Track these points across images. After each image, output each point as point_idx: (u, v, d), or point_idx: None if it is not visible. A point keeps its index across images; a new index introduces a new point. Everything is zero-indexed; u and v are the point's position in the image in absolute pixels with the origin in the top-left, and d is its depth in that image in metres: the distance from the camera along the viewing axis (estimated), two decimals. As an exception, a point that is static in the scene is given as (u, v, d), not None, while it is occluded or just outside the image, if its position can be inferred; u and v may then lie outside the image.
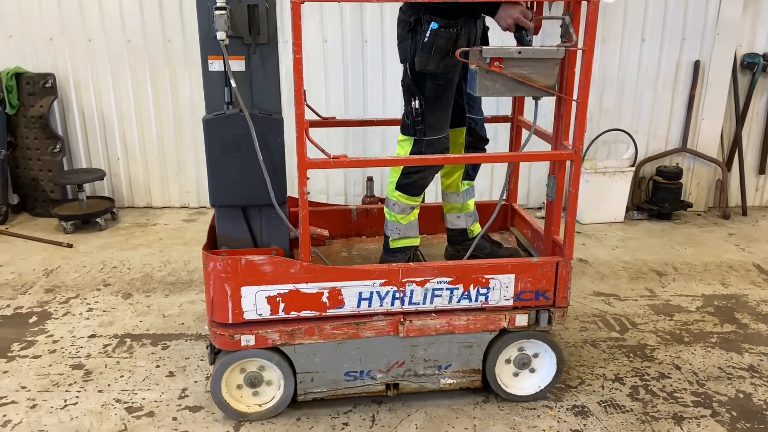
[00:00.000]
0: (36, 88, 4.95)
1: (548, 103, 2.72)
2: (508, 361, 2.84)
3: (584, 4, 2.45)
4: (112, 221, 5.07)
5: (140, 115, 5.18)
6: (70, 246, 4.55)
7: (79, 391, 2.91)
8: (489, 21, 2.75)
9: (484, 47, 2.44)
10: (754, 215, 5.42)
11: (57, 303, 3.74)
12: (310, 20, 4.97)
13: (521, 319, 2.72)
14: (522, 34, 2.65)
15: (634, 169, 5.18)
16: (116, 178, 5.33)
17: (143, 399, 2.86)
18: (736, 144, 5.39)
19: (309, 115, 3.25)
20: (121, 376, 3.03)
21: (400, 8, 2.77)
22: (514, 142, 3.39)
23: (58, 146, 5.06)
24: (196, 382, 2.98)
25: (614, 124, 5.24)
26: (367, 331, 2.66)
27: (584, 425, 2.72)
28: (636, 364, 3.17)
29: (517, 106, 3.34)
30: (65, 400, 2.85)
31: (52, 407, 2.80)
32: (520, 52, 2.42)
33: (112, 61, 5.04)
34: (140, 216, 5.23)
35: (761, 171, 5.54)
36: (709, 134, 5.30)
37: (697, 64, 5.13)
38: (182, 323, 3.52)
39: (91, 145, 5.25)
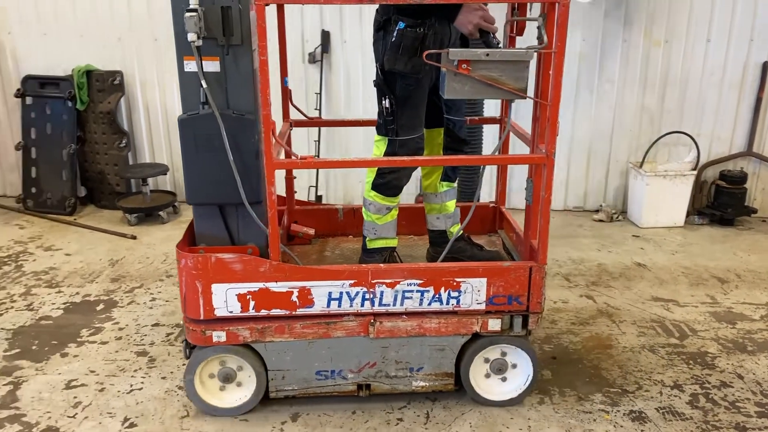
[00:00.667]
0: (105, 85, 5.15)
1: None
2: (483, 366, 2.81)
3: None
4: (174, 214, 5.23)
5: (202, 112, 5.31)
6: (134, 238, 4.72)
7: (143, 377, 3.03)
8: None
9: (451, 49, 2.43)
10: (823, 223, 5.22)
11: (122, 292, 3.89)
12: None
13: (494, 324, 2.69)
14: (489, 39, 2.63)
15: (695, 172, 5.05)
16: (178, 172, 5.49)
17: (204, 387, 2.95)
18: (806, 148, 5.19)
19: (295, 115, 3.34)
20: (183, 365, 3.12)
21: (376, 10, 2.79)
22: (502, 144, 3.37)
23: (124, 141, 5.25)
24: (254, 372, 3.06)
25: (676, 126, 5.12)
26: (338, 331, 2.67)
27: (641, 431, 2.68)
28: (696, 371, 3.10)
29: (505, 108, 3.29)
30: (131, 385, 2.97)
31: (119, 391, 2.92)
32: (487, 55, 2.40)
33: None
34: (200, 210, 5.37)
35: (832, 177, 5.32)
36: (776, 138, 5.14)
37: (765, 66, 4.96)
38: (241, 315, 3.61)
39: (155, 140, 5.43)
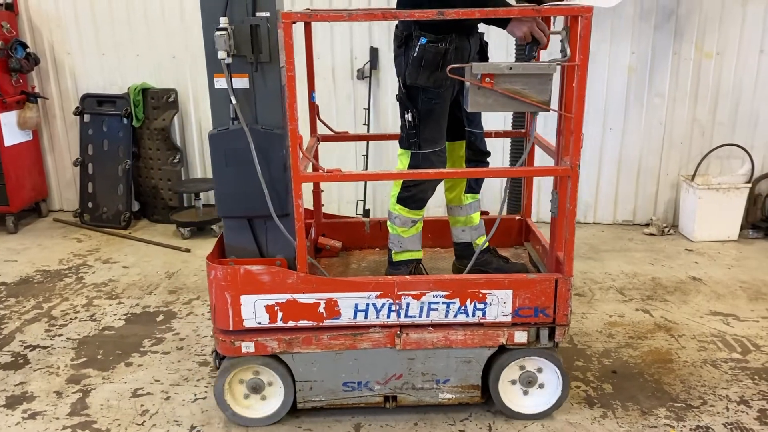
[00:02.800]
0: (159, 103, 5.30)
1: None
2: (511, 378, 2.79)
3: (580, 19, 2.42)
4: (225, 228, 5.32)
5: (252, 128, 5.42)
6: (188, 251, 4.82)
7: (206, 387, 3.08)
8: (490, 35, 2.77)
9: (474, 63, 2.44)
10: None
11: (180, 303, 3.97)
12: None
13: (520, 336, 2.67)
14: (532, 48, 2.65)
15: (749, 185, 4.96)
16: (228, 187, 5.59)
17: (266, 397, 3.00)
18: None
19: (322, 130, 3.40)
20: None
21: (396, 25, 2.82)
22: (528, 157, 3.37)
23: (177, 157, 5.39)
24: (314, 383, 3.10)
25: (728, 138, 5.05)
26: (364, 343, 2.68)
27: (710, 447, 2.64)
28: (762, 387, 3.04)
29: (529, 121, 3.30)
30: (195, 394, 3.02)
31: (183, 400, 2.98)
32: (510, 68, 2.41)
33: (229, 77, 5.32)
34: (250, 224, 5.46)
35: None
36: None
37: (815, 77, 4.89)
38: (297, 327, 3.66)
39: (207, 156, 5.54)
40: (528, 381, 2.79)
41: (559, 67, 2.53)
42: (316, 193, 3.49)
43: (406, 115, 2.79)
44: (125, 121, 5.30)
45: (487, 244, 3.07)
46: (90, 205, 5.44)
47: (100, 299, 4.04)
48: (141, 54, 5.36)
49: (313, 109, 3.33)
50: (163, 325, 3.69)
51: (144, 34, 5.30)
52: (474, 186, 3.17)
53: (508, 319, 2.67)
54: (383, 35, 5.11)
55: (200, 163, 5.57)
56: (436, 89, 2.73)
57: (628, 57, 4.99)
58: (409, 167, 2.85)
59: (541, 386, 2.81)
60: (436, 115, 2.79)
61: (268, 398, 2.80)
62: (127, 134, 5.34)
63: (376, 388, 2.78)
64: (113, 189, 5.36)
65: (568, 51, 2.48)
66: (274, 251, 2.81)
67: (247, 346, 2.67)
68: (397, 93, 2.85)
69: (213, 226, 5.15)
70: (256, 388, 2.77)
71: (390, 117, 5.25)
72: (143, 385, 3.10)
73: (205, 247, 4.92)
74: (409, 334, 2.67)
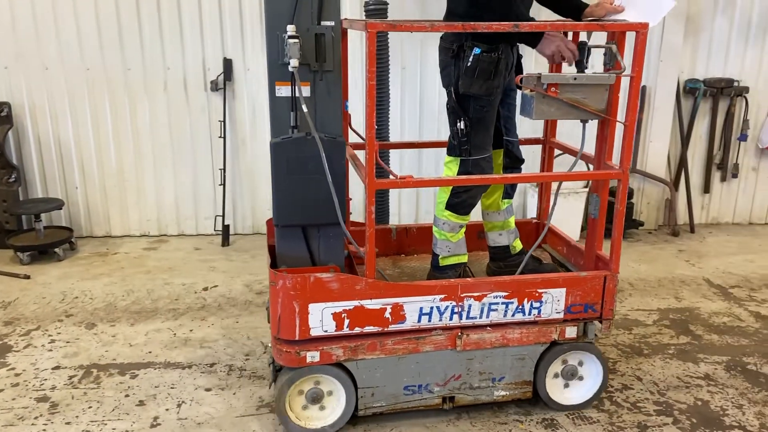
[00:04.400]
0: (-10, 117, 4.86)
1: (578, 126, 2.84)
2: (556, 373, 2.96)
3: (629, 33, 2.63)
4: (71, 251, 4.97)
5: (99, 144, 5.12)
6: (27, 277, 4.44)
7: (45, 424, 2.85)
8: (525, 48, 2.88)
9: (543, 74, 2.60)
10: (701, 232, 5.67)
11: (17, 335, 3.65)
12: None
13: (571, 332, 2.85)
14: (582, 62, 2.79)
15: (587, 189, 5.37)
16: (74, 207, 5.23)
17: (113, 429, 2.82)
18: (682, 165, 5.65)
19: (353, 138, 3.35)
20: (89, 407, 2.97)
21: (441, 37, 2.91)
22: (546, 162, 3.54)
23: (13, 176, 4.96)
24: (167, 410, 2.95)
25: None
26: (427, 346, 2.75)
27: (554, 437, 2.80)
28: (600, 376, 3.28)
29: (550, 128, 3.47)
30: (32, 434, 2.79)
31: (18, 441, 2.74)
32: (575, 78, 2.59)
33: (70, 89, 4.98)
34: (100, 245, 5.14)
35: (706, 190, 5.81)
36: (656, 156, 5.55)
37: (643, 89, 5.39)
38: (149, 352, 3.47)
39: (48, 174, 5.15)
40: (570, 374, 2.95)
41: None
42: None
43: (458, 123, 2.83)
44: (-50, 137, 4.81)
45: (521, 247, 3.24)
46: None
47: None
48: (-34, 64, 4.90)
49: (346, 118, 3.22)
50: (-4, 361, 3.38)
51: (-31, 42, 4.85)
52: (510, 191, 3.25)
53: (561, 315, 2.82)
54: (236, 46, 5.01)
55: (40, 181, 5.16)
56: (487, 97, 2.78)
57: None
58: (459, 174, 2.88)
59: (582, 378, 2.98)
60: (486, 122, 2.85)
61: (329, 408, 2.78)
62: (-47, 152, 4.84)
63: (436, 390, 2.84)
64: (-63, 213, 4.84)
65: (623, 62, 2.62)
66: (326, 259, 2.83)
67: (312, 356, 2.63)
68: (446, 103, 2.89)
69: (56, 250, 4.78)
70: (316, 399, 2.71)
71: (248, 128, 5.16)
72: (-30, 430, 2.81)
73: (48, 272, 4.56)
74: (469, 335, 2.75)
